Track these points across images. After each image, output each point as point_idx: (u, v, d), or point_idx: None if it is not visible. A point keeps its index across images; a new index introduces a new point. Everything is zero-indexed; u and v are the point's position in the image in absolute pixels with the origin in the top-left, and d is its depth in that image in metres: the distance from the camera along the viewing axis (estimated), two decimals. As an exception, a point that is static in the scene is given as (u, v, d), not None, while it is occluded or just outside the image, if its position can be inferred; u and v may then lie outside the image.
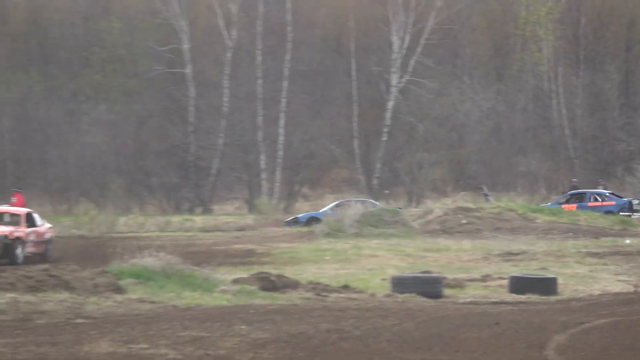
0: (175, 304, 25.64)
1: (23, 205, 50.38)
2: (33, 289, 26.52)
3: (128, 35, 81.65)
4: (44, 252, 34.71)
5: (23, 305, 24.31)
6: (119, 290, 27.15)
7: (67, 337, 19.74)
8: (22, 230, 33.65)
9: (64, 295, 25.88)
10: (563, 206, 58.66)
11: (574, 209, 57.20)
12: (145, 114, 78.52)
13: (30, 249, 33.91)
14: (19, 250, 32.89)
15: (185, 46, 79.27)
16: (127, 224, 59.97)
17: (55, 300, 25.12)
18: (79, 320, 22.37)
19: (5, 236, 32.52)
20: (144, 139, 78.47)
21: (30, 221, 34.62)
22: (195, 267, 29.72)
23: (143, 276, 28.43)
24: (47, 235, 35.53)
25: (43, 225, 35.56)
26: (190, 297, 26.66)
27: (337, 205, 55.12)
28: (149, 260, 29.28)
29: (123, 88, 79.82)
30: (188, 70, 79.05)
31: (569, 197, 61.26)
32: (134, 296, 26.50)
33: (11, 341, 19.14)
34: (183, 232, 52.87)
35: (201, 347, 18.74)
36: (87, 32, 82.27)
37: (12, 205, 50.18)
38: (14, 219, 34.54)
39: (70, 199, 75.17)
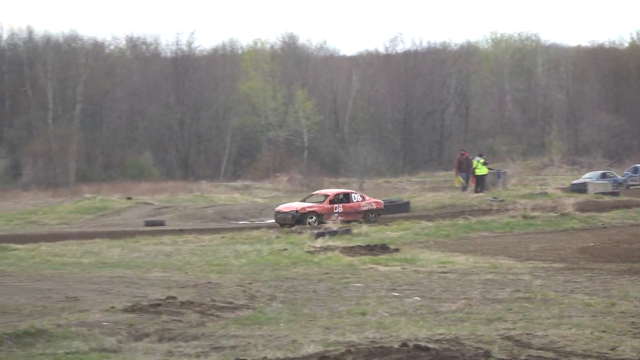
0: None
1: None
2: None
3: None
4: (362, 218, 32.05)
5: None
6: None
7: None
8: (319, 206, 32.00)
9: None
10: None
11: None
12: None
13: (338, 217, 31.71)
14: (310, 220, 31.30)
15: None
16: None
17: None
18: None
19: (296, 211, 31.46)
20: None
21: (341, 200, 32.43)
22: None
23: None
24: (365, 208, 32.53)
25: (362, 201, 32.70)
26: None
27: None
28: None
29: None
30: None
31: None
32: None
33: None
34: None
35: None
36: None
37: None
38: (322, 199, 32.69)
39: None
